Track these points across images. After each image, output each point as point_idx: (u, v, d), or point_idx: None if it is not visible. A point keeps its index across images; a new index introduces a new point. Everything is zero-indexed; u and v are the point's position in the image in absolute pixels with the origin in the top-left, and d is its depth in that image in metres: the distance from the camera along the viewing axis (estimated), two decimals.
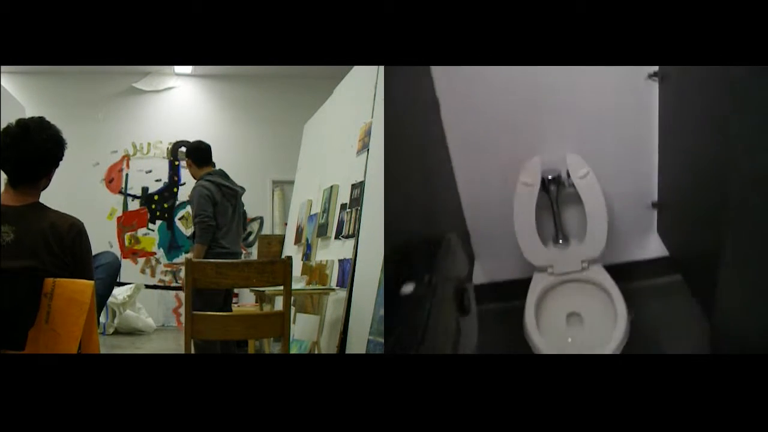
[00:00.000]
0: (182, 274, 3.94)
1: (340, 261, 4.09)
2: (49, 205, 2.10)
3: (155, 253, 7.98)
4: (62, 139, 2.14)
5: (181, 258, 7.43)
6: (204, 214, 3.68)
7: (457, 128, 2.77)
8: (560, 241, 3.11)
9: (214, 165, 4.01)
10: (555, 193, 2.89)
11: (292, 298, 2.85)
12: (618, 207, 2.96)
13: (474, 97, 2.74)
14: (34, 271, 1.94)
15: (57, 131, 2.13)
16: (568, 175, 2.86)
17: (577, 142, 2.83)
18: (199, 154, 3.96)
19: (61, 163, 2.16)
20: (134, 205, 7.98)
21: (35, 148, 2.05)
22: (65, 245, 2.01)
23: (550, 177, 2.85)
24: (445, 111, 2.69)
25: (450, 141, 2.75)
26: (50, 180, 2.15)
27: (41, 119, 2.12)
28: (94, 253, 2.27)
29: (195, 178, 3.94)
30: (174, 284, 7.80)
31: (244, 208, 4.18)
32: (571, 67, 2.64)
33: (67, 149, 2.16)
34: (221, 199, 3.79)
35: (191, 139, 4.29)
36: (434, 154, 2.42)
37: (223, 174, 3.94)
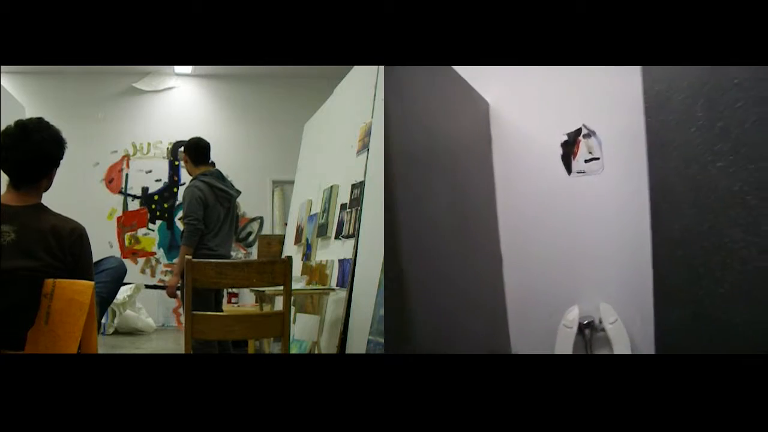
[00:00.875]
0: (168, 279, 3.97)
1: (340, 261, 4.09)
2: (49, 205, 2.10)
3: (155, 253, 7.98)
4: (62, 138, 2.13)
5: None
6: (193, 216, 3.64)
7: (515, 278, 3.52)
8: None
9: (214, 164, 3.98)
10: (589, 336, 3.39)
11: (292, 298, 2.85)
12: (640, 350, 3.39)
13: (529, 248, 3.49)
14: (34, 271, 1.94)
15: (56, 131, 2.12)
16: (600, 321, 3.34)
17: (608, 293, 3.39)
18: (197, 151, 3.87)
19: (61, 162, 2.15)
20: (134, 205, 7.98)
21: (35, 148, 2.05)
22: (65, 248, 2.01)
23: (585, 322, 3.37)
24: (506, 265, 3.51)
25: (507, 288, 3.52)
26: (51, 181, 2.14)
27: (40, 120, 2.11)
28: (98, 257, 2.27)
29: (190, 175, 3.87)
30: None
31: (242, 210, 4.14)
32: (605, 221, 3.33)
33: (67, 149, 2.15)
34: (213, 202, 3.73)
35: None
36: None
37: (218, 175, 3.86)
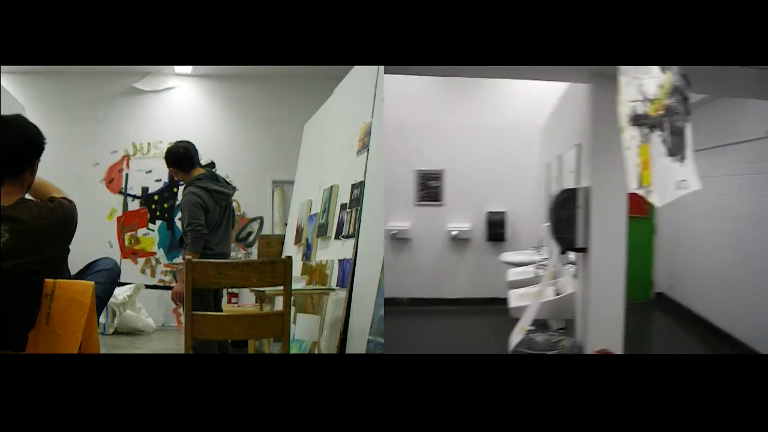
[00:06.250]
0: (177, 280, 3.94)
1: (340, 261, 4.09)
2: None
3: (155, 253, 7.97)
4: (40, 131, 2.13)
5: (180, 258, 7.42)
6: (197, 222, 3.65)
7: None
8: None
9: (213, 164, 3.96)
10: None
11: (292, 298, 2.85)
12: None
13: None
14: (33, 265, 1.94)
15: (34, 124, 2.13)
16: None
17: None
18: (182, 161, 3.87)
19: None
20: (134, 205, 7.97)
21: (16, 135, 2.04)
22: (54, 236, 2.01)
23: None
24: None
25: None
26: (35, 174, 2.12)
27: (17, 115, 2.15)
28: (97, 257, 2.27)
29: (184, 181, 3.88)
30: (174, 284, 7.79)
31: (242, 210, 4.15)
32: None
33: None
34: (213, 206, 3.75)
35: (191, 140, 4.11)
36: None
37: (212, 176, 3.86)
